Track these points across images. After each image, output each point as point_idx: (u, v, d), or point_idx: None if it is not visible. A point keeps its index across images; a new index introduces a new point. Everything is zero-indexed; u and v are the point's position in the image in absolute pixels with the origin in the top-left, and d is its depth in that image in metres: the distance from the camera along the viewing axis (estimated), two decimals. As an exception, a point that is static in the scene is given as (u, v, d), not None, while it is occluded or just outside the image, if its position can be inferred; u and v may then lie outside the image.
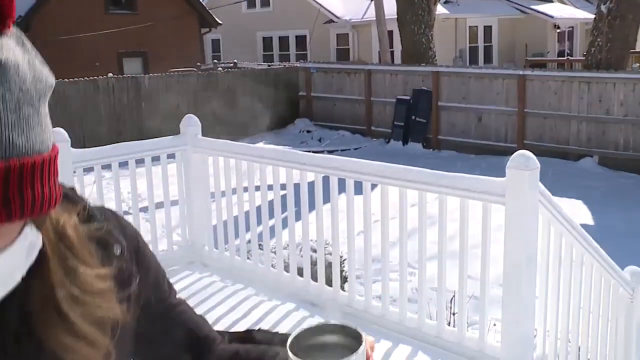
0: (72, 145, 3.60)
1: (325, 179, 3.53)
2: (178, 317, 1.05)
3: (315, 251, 3.85)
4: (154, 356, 1.04)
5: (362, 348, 0.82)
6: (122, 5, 18.97)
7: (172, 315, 1.04)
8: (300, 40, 24.16)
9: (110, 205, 3.87)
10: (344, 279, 4.23)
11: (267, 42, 25.19)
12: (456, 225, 3.04)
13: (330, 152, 13.04)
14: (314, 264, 3.77)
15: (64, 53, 15.91)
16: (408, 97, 13.85)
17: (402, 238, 3.30)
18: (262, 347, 1.05)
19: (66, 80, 12.35)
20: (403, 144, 13.81)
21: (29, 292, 0.74)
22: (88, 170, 3.88)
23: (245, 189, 4.02)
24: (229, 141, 4.15)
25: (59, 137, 3.53)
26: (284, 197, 3.74)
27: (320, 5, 22.97)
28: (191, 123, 4.21)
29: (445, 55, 19.10)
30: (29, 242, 0.72)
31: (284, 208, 3.79)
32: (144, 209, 4.54)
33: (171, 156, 4.24)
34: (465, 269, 3.07)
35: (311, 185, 3.58)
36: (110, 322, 0.82)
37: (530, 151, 2.82)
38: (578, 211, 8.42)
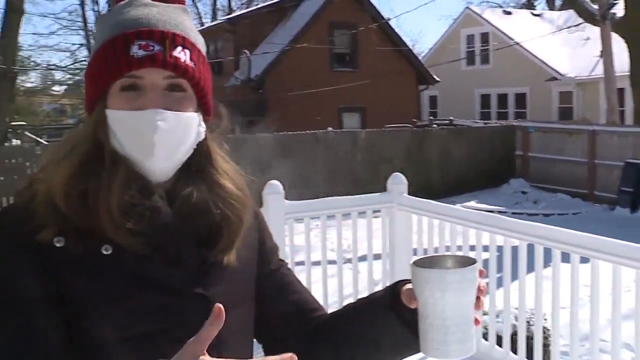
0: (289, 193, 3.90)
1: (531, 247, 3.37)
2: (288, 282, 1.24)
3: (516, 319, 3.66)
4: (266, 312, 1.20)
5: (477, 264, 0.96)
6: (346, 62, 20.14)
7: (284, 279, 1.23)
8: (520, 98, 23.50)
9: (317, 254, 4.11)
10: (547, 354, 3.95)
11: (485, 100, 24.89)
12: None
13: (546, 215, 12.35)
14: (513, 334, 3.59)
15: (291, 108, 17.30)
16: (639, 161, 12.68)
17: (616, 321, 3.00)
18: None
19: (290, 133, 13.39)
20: (631, 212, 12.59)
21: (196, 154, 1.09)
22: (299, 220, 4.15)
23: (447, 249, 3.98)
24: (432, 201, 4.17)
25: (274, 189, 3.85)
26: (485, 261, 3.64)
27: (543, 62, 22.21)
28: (397, 181, 4.31)
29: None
30: (197, 126, 1.06)
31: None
32: (348, 261, 4.70)
33: (376, 210, 4.37)
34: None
35: (515, 249, 3.44)
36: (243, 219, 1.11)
37: None
38: None
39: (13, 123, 21.17)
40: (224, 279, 1.07)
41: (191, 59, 1.02)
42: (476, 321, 0.98)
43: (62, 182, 0.98)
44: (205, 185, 1.08)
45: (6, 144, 15.39)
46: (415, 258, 1.00)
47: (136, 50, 0.99)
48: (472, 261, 0.98)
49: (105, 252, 0.97)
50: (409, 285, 1.03)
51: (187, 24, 1.06)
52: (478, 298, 0.98)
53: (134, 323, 0.97)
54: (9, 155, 11.79)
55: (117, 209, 0.97)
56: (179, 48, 1.01)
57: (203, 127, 1.08)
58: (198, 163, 1.09)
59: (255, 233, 1.20)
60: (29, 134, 19.36)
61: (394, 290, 1.08)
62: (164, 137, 0.99)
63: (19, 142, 19.38)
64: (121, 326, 0.97)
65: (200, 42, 1.08)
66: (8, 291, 0.95)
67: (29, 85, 34.47)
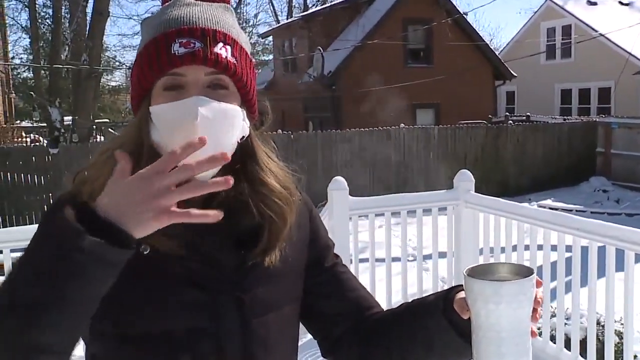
0: (361, 190, 3.90)
1: (602, 248, 3.24)
2: (343, 279, 1.22)
3: (583, 322, 3.52)
4: (322, 311, 1.20)
5: (533, 276, 0.92)
6: (420, 58, 19.89)
7: (340, 276, 1.22)
8: (603, 93, 22.49)
9: (381, 251, 4.09)
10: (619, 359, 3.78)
11: (566, 95, 23.98)
12: None
13: (629, 215, 11.82)
14: (582, 337, 3.46)
15: (364, 104, 17.25)
16: None
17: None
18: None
19: (362, 129, 13.37)
20: None
21: (240, 151, 1.07)
22: (363, 216, 4.15)
23: (514, 248, 3.88)
24: (500, 199, 4.07)
25: (339, 185, 3.86)
26: (553, 264, 3.52)
27: (631, 54, 21.16)
28: (464, 178, 4.23)
29: None
30: (242, 122, 1.05)
31: (552, 274, 3.56)
32: (413, 259, 4.66)
33: (442, 209, 4.31)
34: None
35: (585, 250, 3.31)
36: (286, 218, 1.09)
37: None
38: None
39: (98, 120, 22.16)
40: (264, 281, 1.07)
41: (232, 55, 1.02)
42: (532, 333, 0.95)
43: (105, 184, 0.98)
44: (248, 183, 1.07)
45: (91, 140, 16.12)
46: (468, 267, 0.96)
47: (177, 48, 0.99)
48: (529, 271, 0.94)
49: (143, 252, 0.97)
50: (462, 294, 1.00)
51: (230, 22, 1.06)
52: (534, 309, 0.95)
53: (169, 320, 0.99)
54: (94, 151, 12.36)
55: None
56: (220, 44, 1.01)
57: (247, 123, 1.07)
58: (241, 160, 1.08)
59: (307, 231, 1.19)
60: (112, 130, 20.21)
61: (447, 297, 1.06)
62: (206, 127, 0.97)
63: (102, 138, 20.28)
64: (155, 323, 1.00)
65: (243, 39, 1.07)
66: None
67: (113, 84, 36.00)
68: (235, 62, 1.02)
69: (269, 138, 1.16)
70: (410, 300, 1.21)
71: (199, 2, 1.07)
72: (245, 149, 1.08)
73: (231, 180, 0.85)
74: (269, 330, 1.07)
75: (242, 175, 1.08)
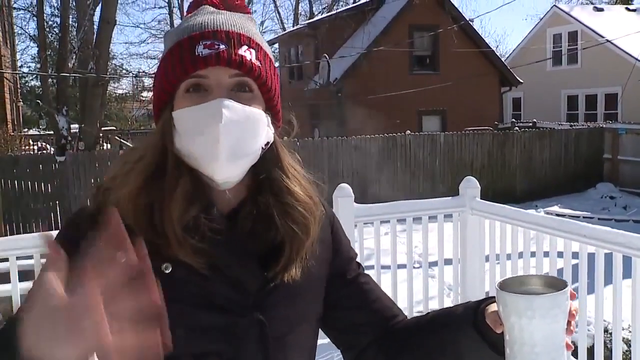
0: (367, 197, 3.89)
1: (609, 255, 3.22)
2: (367, 290, 1.18)
3: (591, 330, 3.50)
4: (347, 323, 1.17)
5: (567, 289, 0.90)
6: (426, 65, 19.90)
7: (363, 287, 1.18)
8: (610, 99, 22.44)
9: (387, 259, 4.08)
10: (629, 369, 3.76)
11: (572, 101, 23.94)
12: None
13: (636, 221, 11.77)
14: (590, 345, 3.43)
15: (370, 111, 17.27)
16: None
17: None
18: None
19: (368, 136, 13.38)
20: None
21: (264, 159, 1.05)
22: (369, 223, 4.14)
23: (520, 255, 3.87)
24: (505, 206, 4.05)
25: (344, 192, 3.86)
26: (560, 270, 3.50)
27: (637, 59, 21.09)
28: (470, 185, 4.22)
29: None
30: (266, 127, 1.03)
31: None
32: (419, 266, 4.65)
33: (448, 216, 4.30)
34: None
35: (592, 257, 3.29)
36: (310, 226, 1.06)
37: None
38: None
39: (104, 128, 22.24)
40: (285, 301, 1.04)
41: (257, 59, 1.01)
42: (568, 346, 0.93)
43: (130, 195, 0.98)
44: (272, 194, 1.04)
45: (98, 148, 16.18)
46: (500, 279, 0.95)
47: (201, 50, 0.97)
48: (563, 284, 0.91)
49: (165, 271, 0.96)
50: (494, 307, 0.98)
51: (253, 30, 1.05)
52: (569, 322, 0.92)
53: (189, 343, 0.96)
54: (100, 159, 12.41)
55: (180, 224, 0.96)
56: (245, 47, 1.00)
57: (272, 130, 1.05)
58: (266, 169, 1.06)
59: (329, 245, 1.16)
60: (118, 138, 20.29)
61: (478, 310, 1.03)
62: (229, 129, 0.95)
63: (109, 146, 20.35)
64: (175, 346, 0.98)
65: (266, 46, 1.06)
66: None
67: (120, 92, 36.15)
68: (260, 65, 1.01)
69: (293, 149, 1.13)
70: (436, 310, 1.19)
71: (223, 10, 1.06)
72: (270, 157, 1.06)
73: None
74: (287, 349, 1.05)
75: (267, 186, 1.05)
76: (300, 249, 1.04)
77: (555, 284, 0.93)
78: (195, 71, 0.98)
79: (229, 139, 0.96)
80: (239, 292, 1.00)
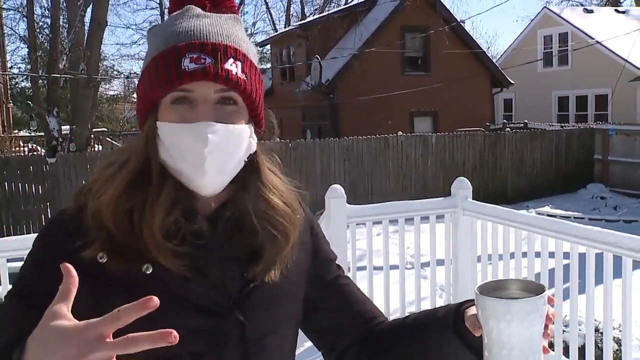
0: (359, 198, 3.90)
1: (600, 255, 3.23)
2: (347, 292, 1.20)
3: (582, 329, 3.52)
4: (328, 324, 1.18)
5: (545, 293, 0.92)
6: (418, 66, 19.94)
7: (343, 289, 1.20)
8: (600, 100, 22.56)
9: (379, 259, 4.09)
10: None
11: (563, 102, 24.05)
12: None
13: (627, 221, 11.83)
14: (581, 345, 3.45)
15: (361, 112, 17.29)
16: None
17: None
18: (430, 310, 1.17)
19: (360, 137, 13.39)
20: None
21: (245, 168, 1.06)
22: (361, 224, 4.14)
23: (512, 256, 3.88)
24: (497, 206, 4.07)
25: (336, 193, 3.86)
26: (551, 271, 3.52)
27: (627, 61, 21.22)
28: (462, 186, 4.24)
29: None
30: (248, 139, 1.04)
31: (550, 281, 3.56)
32: (411, 267, 4.65)
33: (440, 216, 4.31)
34: None
35: (582, 257, 3.31)
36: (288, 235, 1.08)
37: None
38: None
39: (96, 130, 22.17)
40: (265, 303, 1.06)
41: (243, 71, 1.01)
42: (544, 349, 0.95)
43: (111, 200, 0.99)
44: (251, 203, 1.06)
45: (89, 149, 16.12)
46: (478, 284, 0.96)
47: (188, 64, 0.98)
48: (540, 288, 0.93)
49: (146, 272, 0.97)
50: (473, 310, 1.00)
51: (239, 35, 1.05)
52: (546, 326, 0.94)
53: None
54: (91, 160, 12.36)
55: (160, 230, 0.97)
56: (231, 60, 1.00)
57: (254, 139, 1.07)
58: (246, 178, 1.07)
59: (309, 249, 1.17)
60: (109, 139, 20.22)
61: (458, 313, 1.05)
62: (215, 151, 0.98)
63: (100, 147, 20.27)
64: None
65: (252, 53, 1.06)
66: (29, 282, 1.00)
67: (111, 93, 36.03)
68: (245, 78, 1.02)
69: (274, 154, 1.15)
70: (417, 312, 1.20)
71: (209, 13, 1.05)
72: (251, 166, 1.08)
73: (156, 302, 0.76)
74: (267, 351, 1.06)
75: (248, 188, 1.07)
76: (280, 251, 1.06)
77: (533, 288, 0.95)
78: (181, 85, 0.98)
79: (215, 159, 0.99)
80: (220, 293, 1.01)
